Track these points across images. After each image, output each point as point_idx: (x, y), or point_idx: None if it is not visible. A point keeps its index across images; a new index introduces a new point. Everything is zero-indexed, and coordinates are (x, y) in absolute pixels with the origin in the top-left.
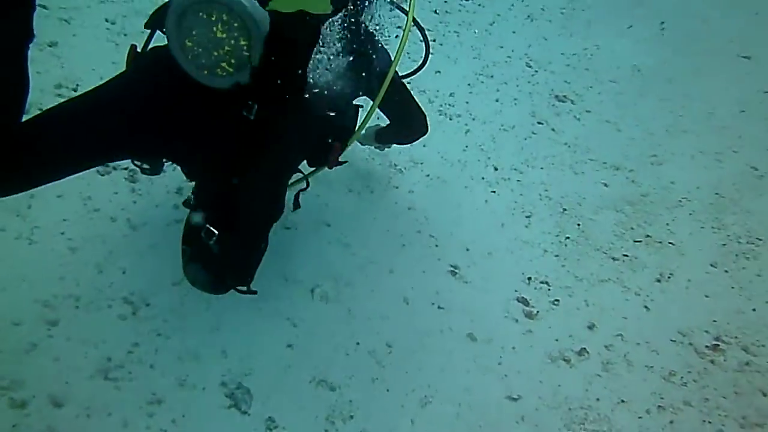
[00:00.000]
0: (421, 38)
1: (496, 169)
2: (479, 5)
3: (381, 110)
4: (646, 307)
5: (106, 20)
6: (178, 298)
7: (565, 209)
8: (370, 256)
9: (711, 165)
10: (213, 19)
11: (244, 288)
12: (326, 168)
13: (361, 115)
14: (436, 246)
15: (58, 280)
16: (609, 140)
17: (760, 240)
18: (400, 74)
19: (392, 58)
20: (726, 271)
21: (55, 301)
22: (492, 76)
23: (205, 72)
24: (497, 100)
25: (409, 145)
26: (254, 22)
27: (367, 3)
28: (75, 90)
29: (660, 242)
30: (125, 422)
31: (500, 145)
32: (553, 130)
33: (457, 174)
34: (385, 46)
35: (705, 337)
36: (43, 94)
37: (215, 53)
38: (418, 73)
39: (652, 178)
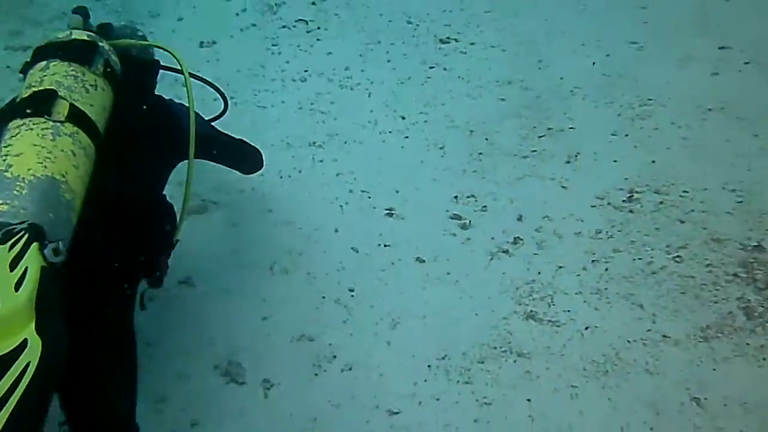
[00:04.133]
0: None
1: (403, 118)
2: None
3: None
4: (563, 187)
5: None
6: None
7: (472, 131)
8: (314, 224)
9: (592, 53)
10: None
11: None
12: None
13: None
14: (369, 197)
15: None
16: (497, 62)
17: (651, 100)
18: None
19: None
20: (626, 135)
21: None
22: (379, 42)
23: None
24: (389, 61)
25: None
26: None
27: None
28: None
29: (561, 130)
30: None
31: (401, 97)
32: (444, 69)
33: (371, 133)
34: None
35: (620, 194)
36: None
37: None
38: (222, 117)
39: (542, 80)
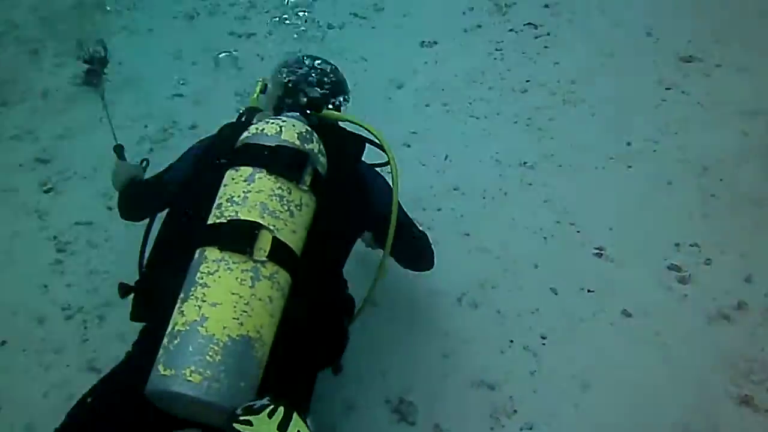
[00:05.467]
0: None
1: (629, 144)
2: None
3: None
4: None
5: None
6: None
7: (705, 168)
8: (513, 255)
9: None
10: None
11: None
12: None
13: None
14: (578, 232)
15: None
16: (744, 89)
17: None
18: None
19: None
20: None
21: None
22: (612, 55)
23: None
24: (620, 76)
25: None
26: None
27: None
28: None
29: None
30: None
31: (630, 120)
32: (683, 92)
33: (590, 157)
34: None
35: None
36: None
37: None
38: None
39: None
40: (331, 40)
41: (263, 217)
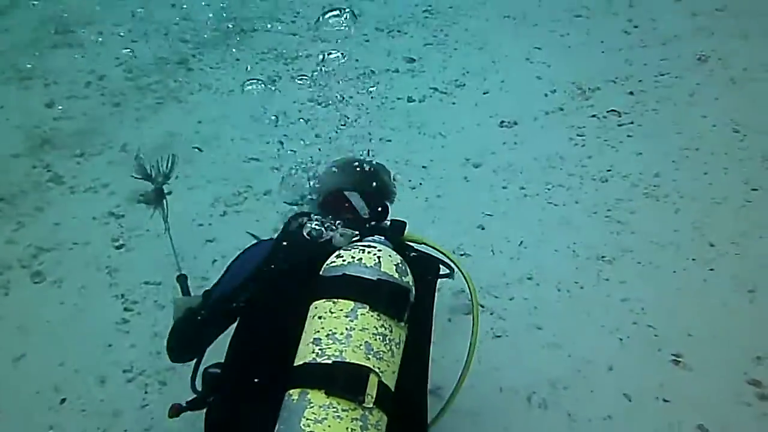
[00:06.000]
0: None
1: (712, 245)
2: (676, 77)
3: None
4: None
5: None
6: None
7: None
8: (587, 355)
9: None
10: None
11: None
12: None
13: None
14: (656, 336)
15: None
16: None
17: None
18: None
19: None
20: None
21: None
22: (698, 149)
23: None
24: (705, 173)
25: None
26: None
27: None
28: None
29: None
30: None
31: (713, 220)
32: None
33: (671, 257)
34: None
35: None
36: None
37: None
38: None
39: None
40: (411, 113)
41: (368, 359)
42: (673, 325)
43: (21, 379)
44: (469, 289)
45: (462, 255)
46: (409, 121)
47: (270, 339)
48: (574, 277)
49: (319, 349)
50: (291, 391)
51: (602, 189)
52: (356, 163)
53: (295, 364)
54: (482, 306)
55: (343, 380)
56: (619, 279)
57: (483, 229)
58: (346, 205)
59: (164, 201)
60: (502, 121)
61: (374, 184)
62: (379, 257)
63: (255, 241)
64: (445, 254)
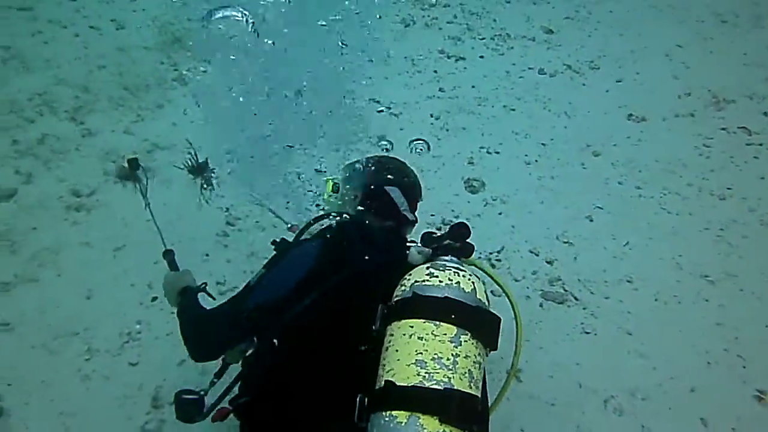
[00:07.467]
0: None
1: None
2: None
3: None
4: None
5: (431, 115)
6: None
7: None
8: (672, 371)
9: None
10: None
11: None
12: None
13: None
14: (744, 367)
15: None
16: None
17: None
18: None
19: None
20: None
21: None
22: None
23: None
24: None
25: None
26: None
27: None
28: None
29: None
30: None
31: None
32: None
33: None
34: None
35: None
36: None
37: None
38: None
39: None
40: (540, 86)
41: (471, 387)
42: (763, 360)
43: (118, 269)
44: (515, 314)
45: (565, 243)
46: (536, 93)
47: (340, 340)
48: (674, 291)
49: (426, 373)
50: (395, 413)
51: (719, 206)
52: (384, 161)
53: (397, 383)
54: (576, 299)
55: (457, 409)
56: (719, 302)
57: (591, 220)
58: (388, 200)
59: (143, 176)
60: (630, 114)
61: (409, 179)
62: (473, 283)
63: (289, 244)
64: (499, 284)
